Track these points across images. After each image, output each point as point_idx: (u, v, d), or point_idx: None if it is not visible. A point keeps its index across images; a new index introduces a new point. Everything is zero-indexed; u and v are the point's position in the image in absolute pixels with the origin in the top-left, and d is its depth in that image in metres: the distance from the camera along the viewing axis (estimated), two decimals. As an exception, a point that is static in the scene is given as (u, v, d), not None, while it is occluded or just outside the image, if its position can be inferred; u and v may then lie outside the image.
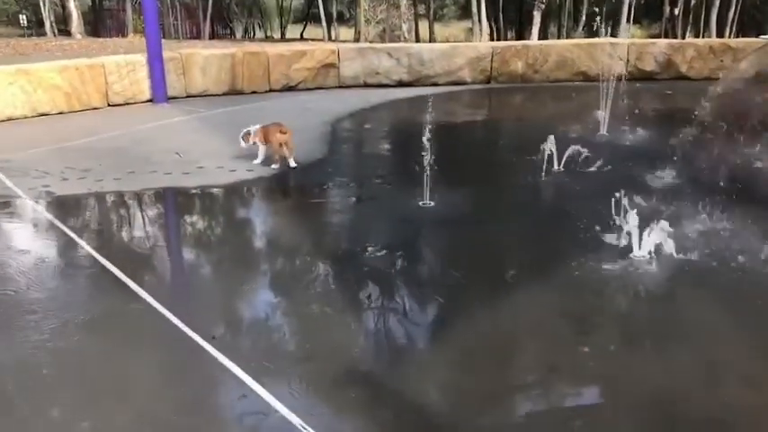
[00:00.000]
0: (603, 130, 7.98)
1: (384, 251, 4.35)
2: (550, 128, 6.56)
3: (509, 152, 7.51)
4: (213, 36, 34.90)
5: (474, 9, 26.02)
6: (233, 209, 5.64)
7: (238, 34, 45.30)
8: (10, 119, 8.92)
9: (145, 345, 3.20)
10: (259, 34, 48.26)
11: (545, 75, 12.66)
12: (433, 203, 5.26)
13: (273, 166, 6.39)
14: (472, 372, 3.01)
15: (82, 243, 4.47)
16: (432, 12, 32.73)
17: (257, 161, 6.51)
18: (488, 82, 12.55)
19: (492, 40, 29.33)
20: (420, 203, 5.28)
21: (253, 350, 3.12)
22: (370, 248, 4.38)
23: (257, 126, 6.52)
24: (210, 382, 2.87)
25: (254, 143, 6.50)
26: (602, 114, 8.14)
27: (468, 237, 4.74)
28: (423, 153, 5.33)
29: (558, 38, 30.87)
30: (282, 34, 45.79)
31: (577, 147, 6.25)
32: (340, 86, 12.18)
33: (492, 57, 12.48)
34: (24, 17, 38.64)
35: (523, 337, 3.35)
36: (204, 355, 3.03)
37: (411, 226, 4.97)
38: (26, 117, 9.10)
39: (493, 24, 32.70)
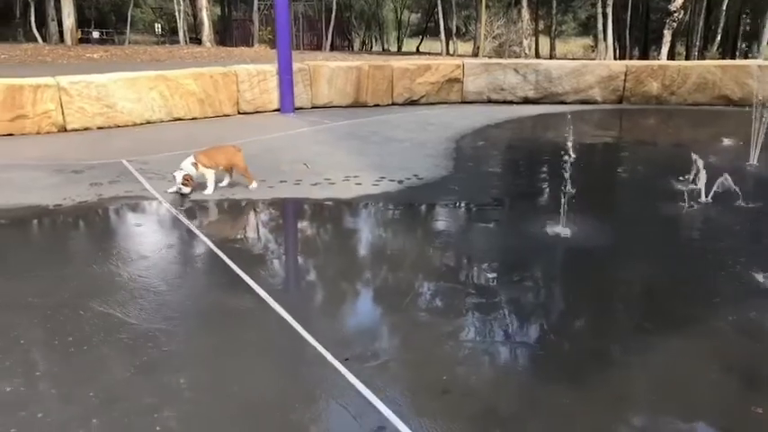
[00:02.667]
0: (753, 160, 7.31)
1: (514, 281, 4.08)
2: (692, 154, 6.02)
3: (647, 178, 7.00)
4: (332, 48, 35.73)
5: (599, 26, 25.23)
6: (360, 223, 5.53)
7: (356, 46, 46.22)
8: (148, 122, 9.35)
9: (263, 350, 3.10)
10: (376, 47, 49.04)
11: (682, 97, 11.91)
12: (566, 231, 4.92)
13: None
14: (623, 424, 2.68)
15: (213, 247, 4.48)
16: (553, 28, 32.03)
17: (208, 191, 5.80)
18: (620, 102, 11.97)
19: (615, 58, 28.25)
20: (551, 230, 4.95)
21: (384, 374, 2.94)
22: (499, 277, 4.12)
23: (189, 158, 5.75)
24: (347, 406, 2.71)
25: (192, 178, 5.72)
26: (752, 143, 7.46)
27: (608, 272, 4.36)
28: (552, 175, 4.99)
29: (687, 58, 29.32)
30: (399, 47, 46.34)
31: (726, 176, 5.72)
32: (462, 102, 12.00)
33: (625, 76, 11.89)
34: (159, 26, 41.31)
35: (680, 392, 2.94)
36: (339, 378, 2.88)
37: (542, 255, 4.65)
38: (162, 121, 9.50)
39: (616, 42, 31.54)
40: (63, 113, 8.70)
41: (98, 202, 5.58)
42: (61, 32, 27.23)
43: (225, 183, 6.08)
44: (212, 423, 2.60)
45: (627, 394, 2.88)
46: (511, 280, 4.10)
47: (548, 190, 6.42)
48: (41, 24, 29.28)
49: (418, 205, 5.83)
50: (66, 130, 8.73)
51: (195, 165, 5.70)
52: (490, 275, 4.16)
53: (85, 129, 8.84)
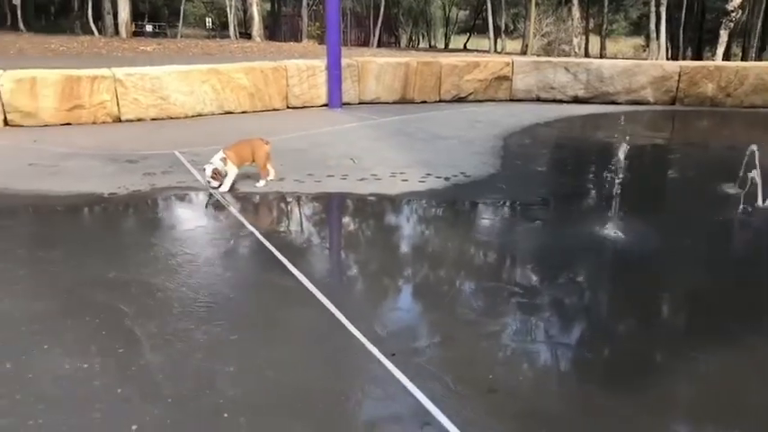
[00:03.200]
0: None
1: (560, 282, 4.04)
2: (748, 158, 5.83)
3: (699, 182, 6.81)
4: (379, 44, 35.79)
5: (652, 26, 24.68)
6: (405, 219, 5.54)
7: (403, 43, 46.19)
8: (200, 115, 9.53)
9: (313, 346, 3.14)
10: (423, 44, 48.93)
11: (739, 99, 11.58)
12: (614, 233, 4.84)
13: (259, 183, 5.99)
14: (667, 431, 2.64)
15: (261, 237, 4.55)
16: (604, 27, 31.45)
17: (224, 189, 5.72)
18: (673, 103, 11.69)
19: (668, 58, 27.60)
20: (598, 231, 4.88)
21: (430, 368, 2.94)
22: (545, 277, 4.08)
23: (219, 153, 5.73)
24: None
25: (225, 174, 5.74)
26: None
27: (657, 276, 4.26)
28: (603, 175, 4.91)
29: (744, 59, 28.45)
30: (446, 44, 46.14)
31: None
32: (511, 100, 11.90)
33: (679, 77, 11.61)
34: (210, 20, 41.96)
35: (725, 402, 2.85)
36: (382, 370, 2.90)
37: (589, 256, 4.59)
38: (213, 114, 9.67)
39: (669, 42, 30.79)
40: (118, 104, 8.93)
41: (151, 192, 5.72)
42: (116, 25, 27.90)
43: (271, 176, 6.14)
44: (257, 409, 2.65)
45: (672, 400, 2.84)
46: (557, 280, 4.06)
47: (596, 190, 6.32)
48: (98, 17, 30.06)
49: (464, 203, 5.81)
50: (120, 121, 8.96)
51: (224, 160, 5.73)
52: (536, 275, 4.13)
53: (139, 120, 9.06)
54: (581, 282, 4.14)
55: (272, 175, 6.03)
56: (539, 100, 11.86)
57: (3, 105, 8.34)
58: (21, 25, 29.24)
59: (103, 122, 8.84)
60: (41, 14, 39.64)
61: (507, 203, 5.77)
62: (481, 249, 4.70)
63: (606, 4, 35.13)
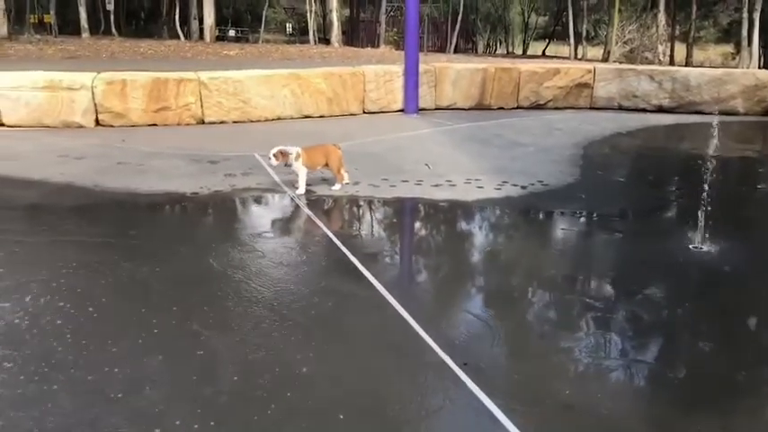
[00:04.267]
0: None
1: (641, 296, 3.90)
2: None
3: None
4: (456, 50, 35.65)
5: (744, 32, 23.60)
6: (480, 227, 5.47)
7: (479, 49, 45.86)
8: (279, 118, 9.74)
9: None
10: (500, 50, 48.44)
11: (840, 110, 10.92)
12: (706, 248, 4.63)
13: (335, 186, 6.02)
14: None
15: (335, 239, 4.58)
16: (692, 34, 30.29)
17: (300, 191, 5.83)
18: (765, 114, 11.13)
19: (760, 66, 26.34)
20: (690, 246, 4.68)
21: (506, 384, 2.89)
22: (625, 291, 3.94)
23: (298, 148, 5.84)
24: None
25: (286, 164, 5.84)
26: None
27: (745, 293, 4.05)
28: (685, 188, 4.69)
29: None
30: (524, 50, 45.51)
31: None
32: (591, 108, 11.61)
33: (773, 86, 11.05)
34: (290, 25, 42.88)
35: None
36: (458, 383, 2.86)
37: (672, 270, 4.39)
38: (292, 118, 9.86)
39: (761, 50, 29.37)
40: (202, 107, 9.23)
41: (231, 192, 5.87)
42: (201, 30, 28.94)
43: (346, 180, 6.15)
44: (321, 411, 2.66)
45: (760, 425, 2.68)
46: (637, 295, 3.92)
47: (681, 203, 6.08)
48: (184, 22, 31.27)
49: (541, 212, 5.69)
50: (203, 123, 9.26)
51: (298, 156, 5.81)
52: (615, 289, 4.00)
53: (221, 122, 9.34)
54: (662, 297, 3.98)
55: (346, 179, 6.09)
56: (620, 108, 11.53)
57: (95, 106, 8.76)
58: (113, 30, 30.71)
59: (188, 124, 9.16)
60: (132, 20, 41.51)
61: (586, 214, 5.62)
62: (557, 260, 4.59)
63: (694, 10, 33.85)
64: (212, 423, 2.54)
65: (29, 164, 6.65)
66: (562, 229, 5.30)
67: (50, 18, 31.63)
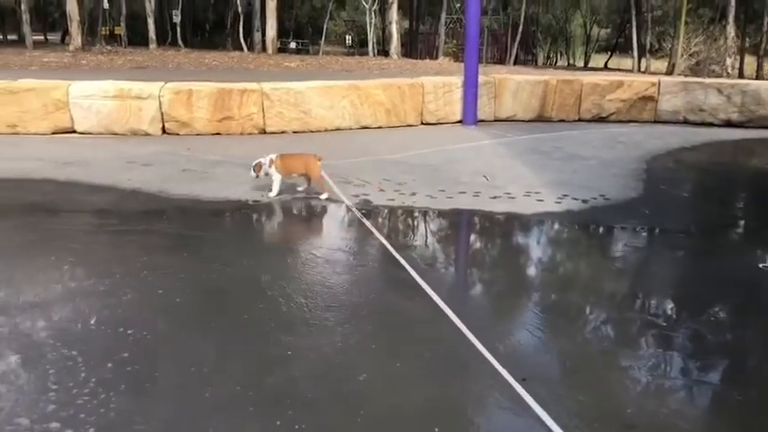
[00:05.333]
0: None
1: (712, 317, 3.77)
2: None
3: None
4: (515, 62, 35.38)
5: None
6: (540, 241, 5.39)
7: (539, 61, 45.38)
8: (338, 129, 9.84)
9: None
10: (561, 62, 47.82)
11: None
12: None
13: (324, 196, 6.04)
14: None
15: (392, 249, 4.59)
16: (763, 46, 29.22)
17: (272, 194, 6.01)
18: (843, 130, 10.65)
19: (837, 80, 25.17)
20: (759, 265, 4.51)
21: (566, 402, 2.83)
22: (695, 311, 3.81)
23: (271, 155, 6.03)
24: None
25: (266, 174, 6.02)
26: None
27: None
28: (754, 205, 4.53)
29: None
30: (586, 63, 44.81)
31: None
32: (655, 121, 11.33)
33: None
34: (350, 37, 43.41)
35: None
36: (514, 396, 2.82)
37: (739, 289, 4.23)
38: (350, 129, 9.95)
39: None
40: (264, 117, 9.41)
41: (291, 201, 5.96)
42: (264, 42, 29.58)
43: (301, 188, 6.22)
44: (385, 425, 2.66)
45: None
46: (701, 315, 3.79)
47: (749, 221, 5.87)
48: (247, 34, 32.06)
49: (603, 227, 5.58)
50: (264, 132, 9.44)
51: (272, 163, 5.99)
52: (679, 308, 3.88)
53: (282, 132, 9.49)
54: (728, 317, 3.84)
55: (325, 195, 6.06)
56: (686, 122, 11.20)
57: (162, 115, 9.05)
58: (180, 41, 31.73)
59: (250, 134, 9.35)
60: (198, 32, 42.76)
61: (648, 230, 5.48)
62: (619, 277, 4.49)
63: (766, 21, 32.66)
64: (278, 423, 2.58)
65: (99, 170, 6.91)
66: (624, 244, 5.17)
67: (120, 30, 33.00)
